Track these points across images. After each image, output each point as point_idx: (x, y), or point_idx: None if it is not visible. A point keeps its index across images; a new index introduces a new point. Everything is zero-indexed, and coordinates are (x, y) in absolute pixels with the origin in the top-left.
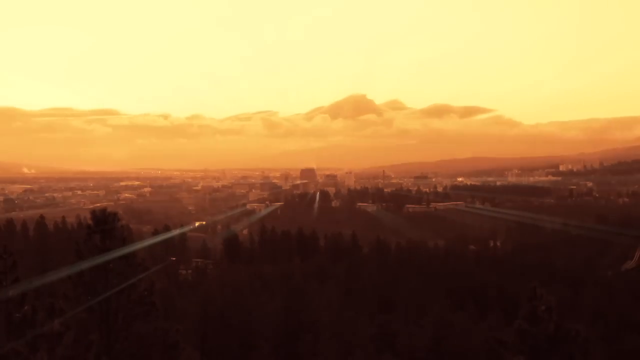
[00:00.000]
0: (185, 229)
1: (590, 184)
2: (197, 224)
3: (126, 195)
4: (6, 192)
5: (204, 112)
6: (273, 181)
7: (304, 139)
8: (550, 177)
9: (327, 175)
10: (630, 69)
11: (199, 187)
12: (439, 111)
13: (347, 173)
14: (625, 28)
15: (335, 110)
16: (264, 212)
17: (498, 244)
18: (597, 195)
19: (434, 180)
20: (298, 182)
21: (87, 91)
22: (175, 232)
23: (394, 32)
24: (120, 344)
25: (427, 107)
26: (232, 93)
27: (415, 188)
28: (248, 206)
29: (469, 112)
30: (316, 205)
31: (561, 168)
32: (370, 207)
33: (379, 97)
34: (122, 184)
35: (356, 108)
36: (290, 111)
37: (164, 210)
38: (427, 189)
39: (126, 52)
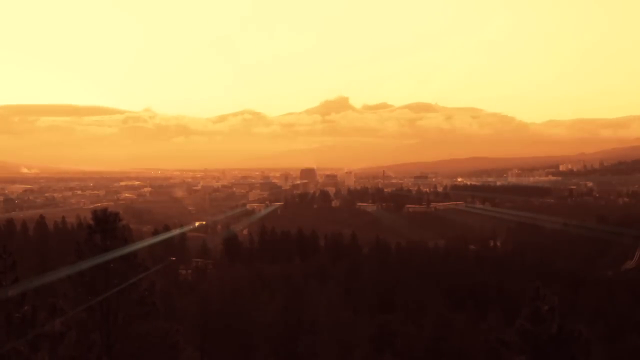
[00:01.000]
0: (185, 229)
1: (590, 184)
2: (197, 224)
3: (126, 195)
4: (6, 192)
5: (204, 112)
6: (273, 181)
7: (303, 138)
8: (550, 177)
9: (327, 175)
10: (631, 69)
11: (199, 187)
12: (439, 112)
13: (347, 173)
14: (626, 27)
15: (327, 110)
16: (263, 212)
17: (498, 244)
18: (597, 195)
19: (434, 180)
20: (298, 182)
21: (86, 90)
22: (175, 232)
23: (389, 35)
24: (120, 343)
25: (417, 105)
26: (230, 93)
27: (415, 188)
28: (248, 206)
29: (469, 112)
30: (316, 205)
31: (561, 168)
32: (370, 207)
33: (368, 99)
34: (122, 184)
35: (351, 108)
36: (287, 111)
37: (164, 210)
38: (427, 189)
39: (125, 51)
